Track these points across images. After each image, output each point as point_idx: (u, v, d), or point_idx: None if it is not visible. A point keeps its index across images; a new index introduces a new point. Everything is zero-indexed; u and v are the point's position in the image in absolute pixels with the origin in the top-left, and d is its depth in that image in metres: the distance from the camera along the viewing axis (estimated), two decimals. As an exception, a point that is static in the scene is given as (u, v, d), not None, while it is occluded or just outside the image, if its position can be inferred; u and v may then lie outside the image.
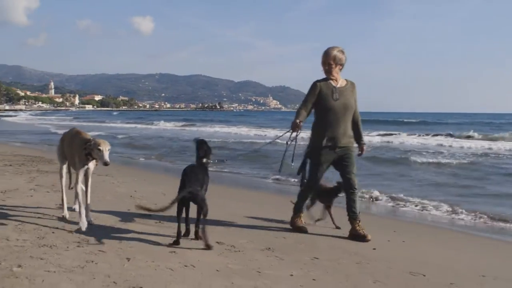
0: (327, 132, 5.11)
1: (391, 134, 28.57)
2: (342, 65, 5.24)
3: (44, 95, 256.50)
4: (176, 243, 4.36)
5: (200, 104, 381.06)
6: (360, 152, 5.41)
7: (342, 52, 5.19)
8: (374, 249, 4.78)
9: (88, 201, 5.04)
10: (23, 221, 4.97)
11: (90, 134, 5.07)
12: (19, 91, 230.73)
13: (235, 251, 4.35)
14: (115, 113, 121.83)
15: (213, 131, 35.59)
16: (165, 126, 44.80)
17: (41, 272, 3.43)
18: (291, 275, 3.77)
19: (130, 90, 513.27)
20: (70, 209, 5.41)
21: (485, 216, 6.88)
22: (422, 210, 7.34)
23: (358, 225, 5.18)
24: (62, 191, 5.38)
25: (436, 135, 29.64)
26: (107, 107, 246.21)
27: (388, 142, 23.31)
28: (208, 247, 4.28)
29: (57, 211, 5.51)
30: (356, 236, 5.13)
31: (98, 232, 4.67)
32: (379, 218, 6.81)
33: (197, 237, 4.55)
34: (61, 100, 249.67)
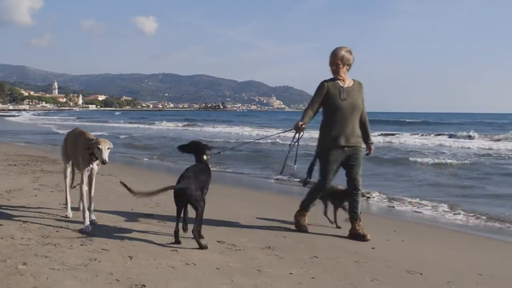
0: (335, 131, 5.13)
1: (393, 134, 28.65)
2: (349, 65, 5.26)
3: (47, 95, 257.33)
4: (175, 242, 4.43)
5: (204, 104, 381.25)
6: (368, 151, 5.45)
7: (350, 52, 5.22)
8: (373, 248, 4.85)
9: (92, 202, 5.11)
10: (28, 220, 5.06)
11: (93, 134, 5.13)
12: (23, 91, 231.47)
13: (235, 250, 4.42)
14: (117, 113, 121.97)
15: (217, 131, 35.65)
16: (167, 126, 44.85)
17: (46, 269, 3.51)
18: (291, 273, 3.83)
19: (133, 90, 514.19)
20: (74, 208, 5.49)
21: (484, 217, 6.92)
22: (422, 210, 7.38)
23: (358, 225, 5.24)
24: (66, 191, 5.45)
25: (438, 135, 29.66)
26: (111, 107, 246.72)
27: (389, 142, 23.35)
28: (200, 247, 4.32)
29: (61, 210, 5.58)
30: (356, 235, 5.19)
31: (101, 231, 4.75)
32: (379, 218, 6.86)
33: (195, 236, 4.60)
34: (64, 100, 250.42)
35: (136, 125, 44.82)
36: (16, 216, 5.22)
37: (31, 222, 4.99)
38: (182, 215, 4.56)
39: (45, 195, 6.66)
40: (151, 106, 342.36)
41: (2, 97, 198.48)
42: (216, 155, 5.89)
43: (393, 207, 7.63)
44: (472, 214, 7.05)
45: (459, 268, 4.37)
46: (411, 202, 7.88)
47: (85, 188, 4.90)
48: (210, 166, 4.91)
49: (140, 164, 13.25)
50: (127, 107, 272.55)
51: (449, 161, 14.13)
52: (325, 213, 5.79)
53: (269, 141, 17.99)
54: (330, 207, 5.75)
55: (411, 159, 14.47)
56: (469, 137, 26.47)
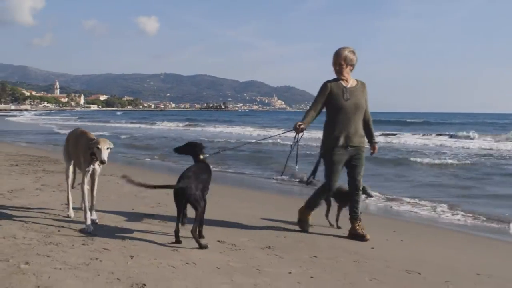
0: (338, 131, 5.14)
1: (394, 134, 28.67)
2: (353, 65, 5.26)
3: (49, 95, 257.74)
4: (176, 242, 4.46)
5: (205, 104, 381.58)
6: (372, 151, 5.48)
7: (353, 52, 5.23)
8: (372, 248, 4.88)
9: (94, 202, 5.15)
10: (30, 220, 5.10)
11: (94, 135, 5.16)
12: (24, 91, 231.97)
13: (236, 250, 4.46)
14: (118, 113, 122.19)
15: (218, 132, 35.68)
16: (169, 126, 44.88)
17: (48, 269, 3.55)
18: (290, 272, 3.87)
19: (135, 90, 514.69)
20: (76, 208, 5.53)
21: (483, 217, 6.94)
22: (422, 210, 7.41)
23: (358, 225, 5.26)
24: (67, 191, 5.49)
25: (439, 135, 29.68)
26: (112, 107, 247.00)
27: (390, 142, 23.37)
28: (200, 246, 4.35)
29: (63, 210, 5.63)
30: (355, 235, 5.22)
31: (102, 231, 4.79)
32: (379, 218, 6.89)
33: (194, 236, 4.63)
34: (66, 100, 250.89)
35: (137, 125, 44.90)
36: (18, 216, 5.26)
37: (33, 222, 5.03)
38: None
39: (47, 195, 6.71)
40: (152, 106, 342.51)
41: (4, 97, 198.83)
42: (215, 154, 5.94)
43: (393, 207, 7.66)
44: (471, 215, 7.07)
45: (458, 268, 4.40)
46: (411, 202, 7.91)
47: (86, 188, 4.93)
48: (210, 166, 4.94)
49: (141, 164, 13.30)
50: (128, 107, 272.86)
51: (449, 161, 14.16)
52: (327, 214, 5.81)
53: (270, 141, 18.02)
54: (333, 209, 5.76)
55: (411, 159, 14.50)
56: (470, 137, 26.47)
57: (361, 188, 5.30)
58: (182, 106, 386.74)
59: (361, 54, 5.29)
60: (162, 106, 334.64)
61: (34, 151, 14.45)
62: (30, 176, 8.58)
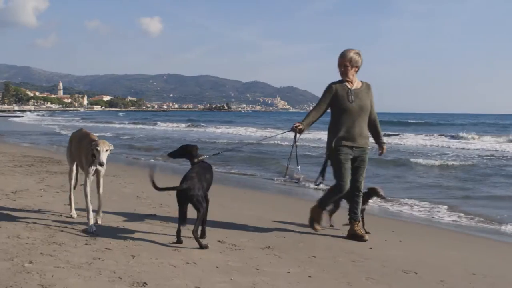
0: (343, 133, 5.17)
1: (396, 135, 28.70)
2: (358, 67, 5.29)
3: (53, 96, 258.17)
4: (177, 241, 4.54)
5: (208, 105, 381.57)
6: (380, 151, 5.53)
7: (359, 54, 5.25)
8: (371, 248, 4.93)
9: (101, 203, 5.20)
10: (33, 220, 5.19)
11: (96, 136, 5.21)
12: (28, 92, 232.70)
13: (235, 250, 4.53)
14: (120, 113, 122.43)
15: (219, 132, 35.73)
16: (171, 127, 44.90)
17: (51, 268, 3.64)
18: (288, 272, 3.94)
19: (138, 90, 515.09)
20: (79, 209, 5.60)
21: (481, 218, 7.00)
22: (421, 211, 7.47)
23: (357, 226, 5.32)
24: (70, 192, 5.56)
25: (441, 135, 29.68)
26: (116, 107, 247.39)
27: (391, 143, 23.36)
28: (201, 246, 4.41)
29: (66, 210, 5.70)
30: (354, 236, 5.27)
31: (104, 231, 4.87)
32: (379, 218, 6.94)
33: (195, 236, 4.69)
34: (69, 100, 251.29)
35: (139, 126, 44.97)
36: (22, 216, 5.35)
37: (37, 222, 5.12)
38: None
39: (50, 196, 6.79)
40: (156, 106, 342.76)
41: (7, 97, 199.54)
42: (215, 155, 5.99)
43: (393, 208, 7.71)
44: (469, 216, 7.14)
45: (454, 268, 4.46)
46: (411, 203, 7.97)
47: (88, 189, 4.98)
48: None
49: (144, 164, 13.36)
50: (132, 107, 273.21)
51: (451, 162, 14.17)
52: (331, 214, 5.78)
53: (271, 142, 18.06)
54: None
55: (413, 160, 14.52)
56: (472, 138, 26.47)
57: (361, 190, 5.36)
58: (185, 106, 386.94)
59: (364, 55, 5.34)
60: (165, 107, 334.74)
61: (37, 152, 14.55)
62: (34, 177, 8.67)
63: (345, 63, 5.23)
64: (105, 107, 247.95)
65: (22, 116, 79.01)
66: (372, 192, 5.62)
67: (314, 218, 5.49)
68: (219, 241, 4.76)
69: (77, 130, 5.62)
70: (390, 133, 29.46)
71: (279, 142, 18.40)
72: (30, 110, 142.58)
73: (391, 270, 4.22)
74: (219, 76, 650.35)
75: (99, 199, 5.18)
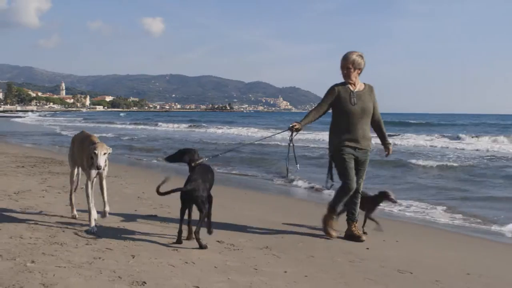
0: (345, 135, 5.21)
1: (397, 135, 28.69)
2: (360, 69, 5.32)
3: (55, 96, 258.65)
4: (177, 242, 4.60)
5: (210, 105, 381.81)
6: (386, 152, 5.56)
7: (361, 56, 5.28)
8: (368, 248, 4.99)
9: (107, 208, 5.24)
10: (36, 221, 5.26)
11: (97, 137, 5.26)
12: (30, 92, 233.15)
13: (234, 250, 4.59)
14: (122, 114, 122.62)
15: (220, 133, 35.72)
16: (173, 127, 44.92)
17: (53, 267, 3.71)
18: (286, 272, 4.00)
19: (140, 90, 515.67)
20: (80, 210, 5.66)
21: (477, 219, 7.05)
22: (420, 212, 7.51)
23: (355, 226, 5.37)
24: (71, 194, 5.62)
25: (442, 136, 29.66)
26: (118, 108, 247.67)
27: (392, 143, 23.31)
28: (201, 247, 4.47)
29: (68, 211, 5.75)
30: (352, 236, 5.31)
31: (105, 231, 4.94)
32: (378, 219, 6.98)
33: (190, 237, 4.73)
34: (72, 101, 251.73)
35: (141, 126, 45.03)
36: (25, 217, 5.43)
37: (39, 223, 5.19)
38: (186, 217, 4.72)
39: (52, 197, 6.86)
40: (158, 107, 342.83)
41: (10, 98, 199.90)
42: (214, 157, 6.04)
43: (391, 208, 7.74)
44: (466, 216, 7.18)
45: (449, 268, 4.51)
46: (410, 203, 8.01)
47: (90, 191, 5.03)
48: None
49: (146, 165, 13.44)
50: (134, 108, 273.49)
51: (451, 163, 14.18)
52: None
53: (272, 142, 18.10)
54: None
55: (413, 160, 14.51)
56: (472, 138, 26.46)
57: (360, 191, 5.41)
58: (188, 107, 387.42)
59: (367, 55, 5.37)
60: (167, 107, 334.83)
61: (39, 153, 14.62)
62: (36, 177, 8.74)
63: (347, 65, 5.26)
64: (108, 108, 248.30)
65: (24, 117, 78.99)
66: (383, 196, 5.61)
67: (328, 224, 5.44)
68: (218, 241, 4.82)
69: (79, 132, 5.67)
70: (391, 133, 29.42)
71: (279, 143, 18.44)
72: (32, 111, 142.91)
73: (387, 270, 4.27)
74: (221, 77, 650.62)
75: (104, 202, 5.20)
